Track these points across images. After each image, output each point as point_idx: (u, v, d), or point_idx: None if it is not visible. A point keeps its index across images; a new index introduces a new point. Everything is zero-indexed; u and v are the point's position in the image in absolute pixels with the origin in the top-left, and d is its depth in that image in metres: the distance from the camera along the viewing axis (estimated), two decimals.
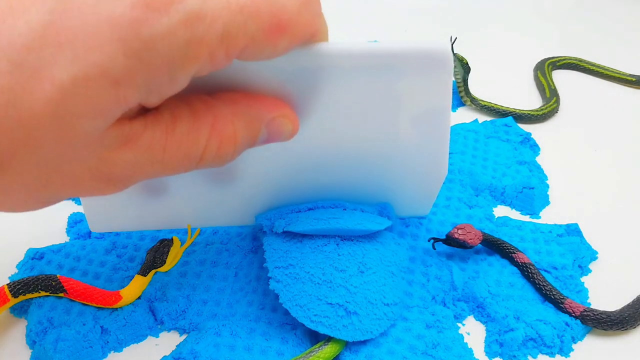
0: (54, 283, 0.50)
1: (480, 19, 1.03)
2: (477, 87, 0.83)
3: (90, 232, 0.59)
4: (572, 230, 0.60)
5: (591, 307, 0.53)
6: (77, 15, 0.29)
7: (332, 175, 0.52)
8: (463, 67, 0.77)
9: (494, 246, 0.57)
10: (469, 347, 0.50)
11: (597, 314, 0.51)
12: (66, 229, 0.60)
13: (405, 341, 0.49)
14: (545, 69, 0.87)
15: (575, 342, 0.51)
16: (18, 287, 0.50)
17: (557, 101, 0.80)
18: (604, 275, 0.57)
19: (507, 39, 0.98)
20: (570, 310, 0.51)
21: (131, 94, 0.31)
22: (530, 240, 0.59)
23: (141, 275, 0.51)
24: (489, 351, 0.50)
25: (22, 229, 0.60)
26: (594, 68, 0.88)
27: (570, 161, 0.72)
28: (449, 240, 0.55)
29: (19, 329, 0.51)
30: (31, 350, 0.49)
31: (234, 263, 0.56)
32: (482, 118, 0.78)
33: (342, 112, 0.45)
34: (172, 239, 0.53)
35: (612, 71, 0.87)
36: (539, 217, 0.64)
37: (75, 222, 0.60)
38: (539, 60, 0.90)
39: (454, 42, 0.76)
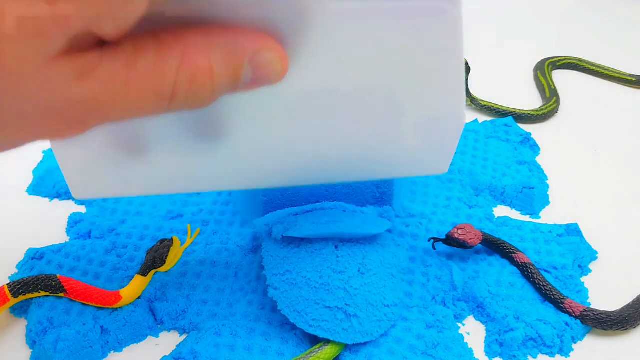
0: (54, 283, 0.50)
1: (480, 19, 1.03)
2: (477, 87, 0.83)
3: (90, 232, 0.59)
4: (572, 230, 0.60)
5: (591, 307, 0.53)
6: None
7: (336, 133, 0.45)
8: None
9: (494, 246, 0.57)
10: (469, 347, 0.50)
11: (597, 314, 0.51)
12: (66, 229, 0.60)
13: (405, 341, 0.49)
14: (545, 69, 0.87)
15: (575, 342, 0.51)
16: (18, 287, 0.50)
17: (557, 101, 0.80)
18: (604, 275, 0.57)
19: (507, 39, 0.98)
20: (570, 310, 0.51)
21: (73, 13, 0.27)
22: (530, 240, 0.59)
23: (141, 275, 0.51)
24: (489, 351, 0.50)
25: (22, 229, 0.60)
26: (594, 68, 0.88)
27: (570, 161, 0.72)
28: (449, 240, 0.55)
29: (19, 329, 0.51)
30: (31, 350, 0.49)
31: (234, 263, 0.56)
32: (482, 118, 0.78)
33: (345, 59, 0.40)
34: (172, 239, 0.53)
35: (612, 71, 0.87)
36: (539, 217, 0.64)
37: (75, 222, 0.60)
38: (539, 60, 0.90)
39: None
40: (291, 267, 0.50)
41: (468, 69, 0.78)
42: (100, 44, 0.30)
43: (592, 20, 1.03)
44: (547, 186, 0.67)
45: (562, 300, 0.52)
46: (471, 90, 0.81)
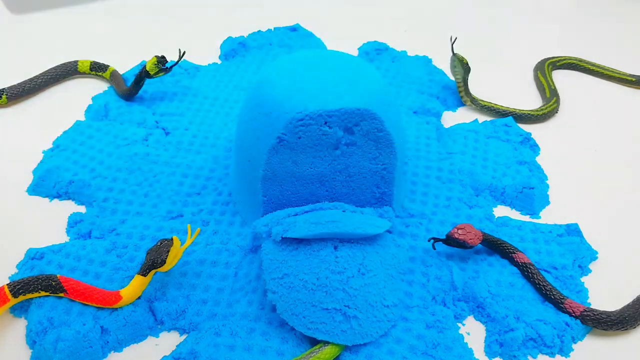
0: (54, 283, 0.50)
1: (480, 19, 1.03)
2: (477, 87, 0.83)
3: (90, 232, 0.59)
4: (572, 230, 0.60)
5: (591, 307, 0.53)
6: None
7: None
8: (463, 67, 0.77)
9: (494, 246, 0.57)
10: (469, 347, 0.50)
11: (597, 314, 0.51)
12: (66, 229, 0.60)
13: (405, 341, 0.49)
14: (545, 69, 0.87)
15: (575, 342, 0.51)
16: (18, 287, 0.50)
17: (557, 101, 0.80)
18: (604, 275, 0.57)
19: (507, 39, 0.98)
20: (570, 310, 0.51)
21: None
22: (530, 240, 0.59)
23: (141, 275, 0.51)
24: (489, 351, 0.50)
25: (22, 229, 0.60)
26: (594, 68, 0.88)
27: (570, 161, 0.72)
28: (449, 240, 0.55)
29: (19, 329, 0.51)
30: (31, 350, 0.49)
31: (234, 263, 0.56)
32: (482, 118, 0.78)
33: None
34: (172, 239, 0.53)
35: (612, 71, 0.87)
36: (539, 217, 0.64)
37: (75, 222, 0.60)
38: (539, 60, 0.90)
39: (454, 42, 0.76)
40: (289, 271, 0.50)
41: (468, 69, 0.78)
42: None
43: (592, 20, 1.03)
44: (547, 186, 0.67)
45: (562, 300, 0.52)
46: (471, 90, 0.81)
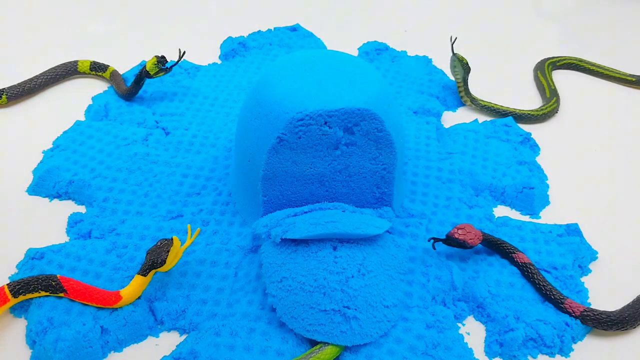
0: (54, 283, 0.50)
1: (480, 19, 1.03)
2: (477, 87, 0.83)
3: (90, 232, 0.59)
4: (572, 230, 0.60)
5: (591, 307, 0.53)
6: None
7: None
8: (463, 67, 0.77)
9: (494, 246, 0.57)
10: (469, 347, 0.50)
11: (597, 314, 0.51)
12: (66, 229, 0.60)
13: (405, 341, 0.49)
14: (545, 69, 0.87)
15: (575, 342, 0.51)
16: (18, 287, 0.50)
17: (557, 101, 0.80)
18: (604, 275, 0.57)
19: (507, 39, 0.98)
20: (570, 310, 0.51)
21: None
22: (530, 240, 0.59)
23: (141, 275, 0.51)
24: (489, 351, 0.50)
25: (22, 229, 0.60)
26: (594, 68, 0.88)
27: (570, 161, 0.72)
28: (449, 240, 0.55)
29: (19, 329, 0.51)
30: (31, 350, 0.49)
31: (234, 263, 0.56)
32: (482, 118, 0.78)
33: None
34: (172, 239, 0.53)
35: (612, 71, 0.87)
36: (539, 217, 0.64)
37: (75, 222, 0.60)
38: (539, 60, 0.90)
39: (454, 42, 0.76)
40: (287, 274, 0.50)
41: (468, 69, 0.78)
42: None
43: (592, 20, 1.03)
44: (547, 186, 0.67)
45: (562, 300, 0.52)
46: (471, 90, 0.81)
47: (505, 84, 0.86)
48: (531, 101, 0.83)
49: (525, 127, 0.76)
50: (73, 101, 0.78)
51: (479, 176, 0.66)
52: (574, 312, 0.51)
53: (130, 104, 0.76)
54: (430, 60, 0.87)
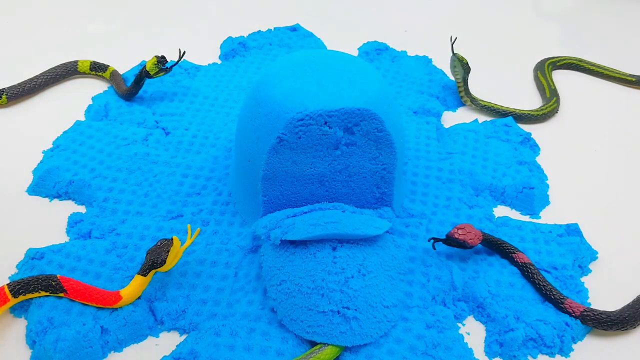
0: (54, 283, 0.50)
1: (480, 19, 1.03)
2: (477, 87, 0.83)
3: (90, 232, 0.59)
4: (572, 230, 0.60)
5: (591, 307, 0.53)
6: None
7: None
8: (463, 67, 0.77)
9: (494, 246, 0.57)
10: (469, 347, 0.50)
11: (597, 314, 0.51)
12: (66, 229, 0.60)
13: (405, 341, 0.49)
14: (545, 69, 0.87)
15: (575, 342, 0.51)
16: (18, 287, 0.50)
17: (557, 101, 0.80)
18: (604, 275, 0.57)
19: (507, 39, 0.98)
20: (570, 310, 0.51)
21: None
22: (530, 240, 0.59)
23: (141, 275, 0.51)
24: (489, 351, 0.50)
25: (22, 229, 0.60)
26: (594, 68, 0.88)
27: (570, 161, 0.72)
28: (449, 240, 0.55)
29: (19, 329, 0.51)
30: (31, 350, 0.49)
31: (234, 263, 0.56)
32: (482, 118, 0.78)
33: None
34: (172, 239, 0.53)
35: (612, 71, 0.87)
36: (539, 217, 0.64)
37: (75, 222, 0.60)
38: (539, 60, 0.90)
39: (454, 42, 0.76)
40: (286, 277, 0.50)
41: (468, 69, 0.78)
42: None
43: (592, 20, 1.03)
44: (547, 186, 0.67)
45: (562, 300, 0.52)
46: (471, 90, 0.81)
47: (505, 84, 0.86)
48: (531, 101, 0.83)
49: (525, 127, 0.76)
50: (73, 101, 0.78)
51: (479, 176, 0.66)
52: (574, 312, 0.51)
53: (130, 104, 0.76)
54: (430, 60, 0.87)
